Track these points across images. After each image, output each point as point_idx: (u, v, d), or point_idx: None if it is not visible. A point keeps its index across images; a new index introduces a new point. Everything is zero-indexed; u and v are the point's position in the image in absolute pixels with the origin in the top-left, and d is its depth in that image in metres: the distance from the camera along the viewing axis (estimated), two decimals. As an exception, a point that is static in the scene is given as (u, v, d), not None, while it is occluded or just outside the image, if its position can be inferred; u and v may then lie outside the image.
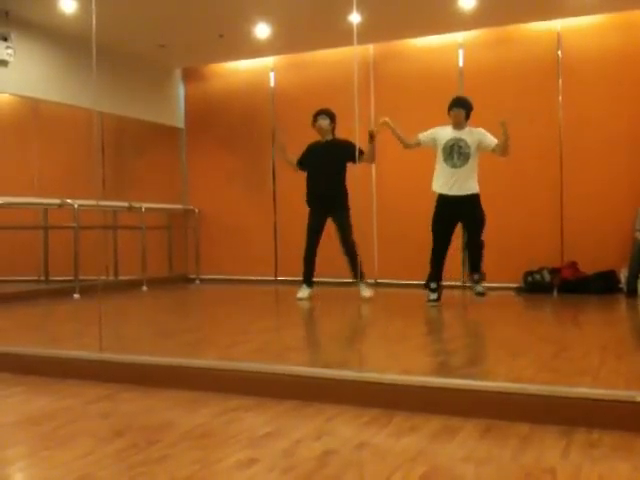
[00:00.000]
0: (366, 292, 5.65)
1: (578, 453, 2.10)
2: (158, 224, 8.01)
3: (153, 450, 2.17)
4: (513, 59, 6.69)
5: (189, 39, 7.00)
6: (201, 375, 3.01)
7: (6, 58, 6.06)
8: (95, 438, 2.32)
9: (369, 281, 6.06)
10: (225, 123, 7.96)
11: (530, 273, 6.32)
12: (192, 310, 6.10)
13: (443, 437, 2.27)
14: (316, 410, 2.60)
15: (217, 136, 8.03)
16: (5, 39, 6.05)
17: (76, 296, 6.35)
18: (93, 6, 3.95)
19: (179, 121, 8.20)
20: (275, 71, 7.74)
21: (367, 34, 6.54)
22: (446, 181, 5.17)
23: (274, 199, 7.74)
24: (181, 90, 8.24)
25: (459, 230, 5.47)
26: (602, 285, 6.08)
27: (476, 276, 5.27)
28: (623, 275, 5.99)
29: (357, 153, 5.52)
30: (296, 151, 6.06)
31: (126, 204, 7.33)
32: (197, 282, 7.96)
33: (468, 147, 5.11)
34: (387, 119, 5.28)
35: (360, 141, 5.42)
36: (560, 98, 6.53)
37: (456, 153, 5.13)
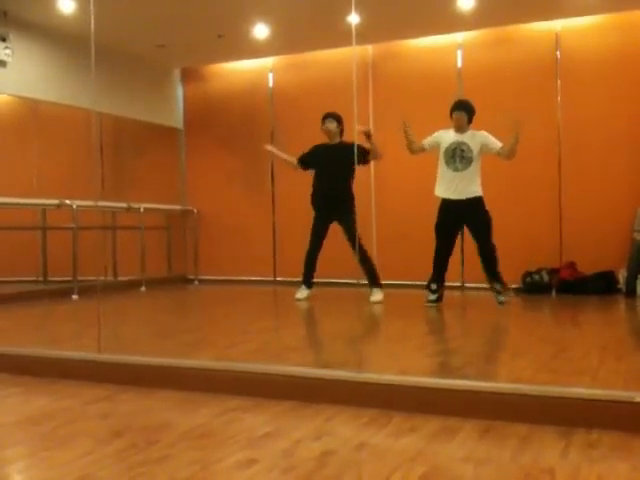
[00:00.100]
0: (375, 296, 5.62)
1: (577, 453, 2.10)
2: (157, 224, 8.00)
3: (152, 450, 2.17)
4: (512, 59, 6.69)
5: (188, 39, 7.00)
6: (200, 375, 3.01)
7: (5, 58, 6.06)
8: (94, 438, 2.31)
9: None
10: (224, 123, 7.96)
11: (529, 274, 6.32)
12: (191, 310, 6.10)
13: (442, 437, 2.27)
14: (315, 410, 2.60)
15: (216, 136, 8.03)
16: (3, 39, 6.04)
17: (75, 297, 6.34)
18: (92, 6, 3.94)
19: (178, 121, 8.20)
20: (274, 71, 7.74)
21: (366, 34, 6.54)
22: (448, 185, 5.15)
23: (273, 200, 7.74)
24: (180, 90, 8.24)
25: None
26: (601, 285, 6.09)
27: (497, 286, 5.17)
28: (622, 275, 6.00)
29: (361, 154, 5.55)
30: (295, 152, 6.05)
31: (125, 205, 7.33)
32: (196, 282, 7.96)
33: (470, 151, 5.08)
34: (406, 121, 5.28)
35: (360, 141, 5.43)
36: (559, 98, 6.54)
37: (458, 157, 5.10)
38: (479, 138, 5.10)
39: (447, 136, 5.20)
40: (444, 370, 3.08)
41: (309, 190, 7.24)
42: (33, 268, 8.01)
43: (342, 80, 6.51)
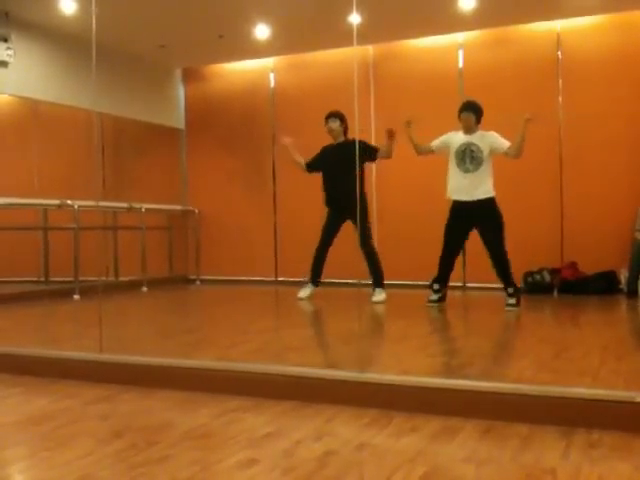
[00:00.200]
0: (377, 297, 5.61)
1: (578, 453, 2.10)
2: (158, 225, 8.01)
3: (153, 451, 2.17)
4: (513, 60, 6.69)
5: (189, 39, 7.00)
6: (200, 376, 3.01)
7: (6, 59, 6.07)
8: (95, 439, 2.31)
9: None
10: (225, 124, 7.97)
11: (530, 273, 6.32)
12: (192, 311, 6.10)
13: (443, 438, 2.27)
14: (316, 411, 2.60)
15: (217, 137, 8.03)
16: (5, 40, 6.05)
17: (76, 297, 6.35)
18: (93, 7, 3.95)
19: (179, 122, 8.20)
20: (275, 72, 7.74)
21: (367, 35, 6.54)
22: (459, 186, 5.12)
23: (274, 200, 7.74)
24: (181, 91, 8.25)
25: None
26: (602, 285, 6.08)
27: (510, 290, 5.08)
28: (623, 275, 5.99)
29: (369, 151, 5.56)
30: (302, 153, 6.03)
31: (126, 205, 7.33)
32: (197, 283, 7.96)
33: (480, 151, 5.04)
34: (411, 121, 5.27)
35: (367, 138, 5.43)
36: (560, 98, 6.53)
37: (468, 158, 5.07)
38: (488, 139, 5.06)
39: (457, 138, 5.18)
40: (445, 370, 3.08)
41: (310, 190, 7.25)
42: (34, 268, 8.02)
43: (343, 80, 6.50)
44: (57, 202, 6.66)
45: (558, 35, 6.54)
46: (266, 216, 7.76)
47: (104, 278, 7.67)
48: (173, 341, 4.08)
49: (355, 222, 5.52)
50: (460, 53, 6.89)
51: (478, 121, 5.13)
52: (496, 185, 5.13)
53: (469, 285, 6.73)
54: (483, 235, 5.11)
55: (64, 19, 6.22)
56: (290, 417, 2.55)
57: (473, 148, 5.06)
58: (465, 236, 5.25)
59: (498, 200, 5.11)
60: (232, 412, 2.61)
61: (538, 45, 6.60)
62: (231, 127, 7.93)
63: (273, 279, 7.73)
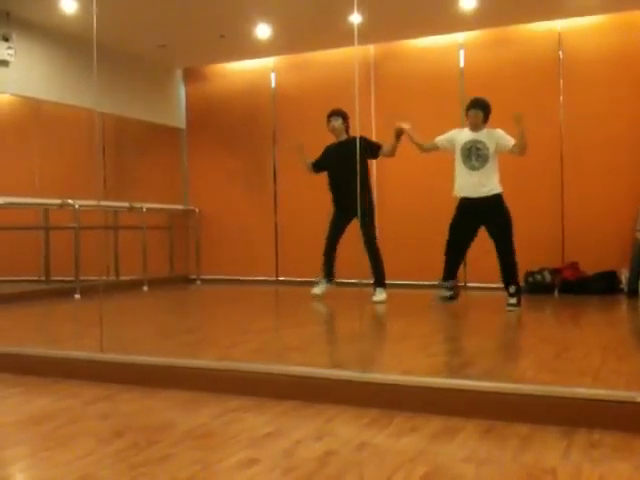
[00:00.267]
0: (378, 296, 5.61)
1: (579, 453, 2.10)
2: (159, 224, 8.01)
3: (153, 450, 2.17)
4: (514, 59, 6.69)
5: (190, 39, 7.00)
6: (201, 375, 3.01)
7: (7, 58, 6.07)
8: (95, 438, 2.31)
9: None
10: (226, 123, 7.97)
11: (531, 273, 6.32)
12: (193, 310, 6.10)
13: (444, 437, 2.27)
14: (316, 410, 2.60)
15: (218, 136, 8.04)
16: (6, 39, 6.05)
17: (77, 296, 6.35)
18: (94, 6, 3.95)
19: (180, 121, 8.20)
20: (276, 71, 7.74)
21: (368, 34, 6.54)
22: (465, 184, 5.10)
23: (275, 199, 7.74)
24: (182, 90, 8.25)
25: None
26: (603, 285, 6.08)
27: (511, 289, 5.05)
28: (624, 275, 5.99)
29: (372, 148, 5.55)
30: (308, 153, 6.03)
31: (127, 204, 7.33)
32: (198, 282, 7.96)
33: (487, 148, 5.02)
34: (407, 127, 5.26)
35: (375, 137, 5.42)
36: (561, 98, 6.53)
37: (474, 155, 5.05)
38: (495, 136, 5.03)
39: (462, 135, 5.15)
40: (446, 370, 3.08)
41: (310, 190, 7.26)
42: (35, 268, 8.02)
43: (344, 80, 6.50)
44: (58, 201, 6.67)
45: (559, 35, 6.54)
46: (267, 216, 7.76)
47: (105, 278, 7.68)
48: (174, 341, 4.08)
49: (361, 219, 5.51)
50: (461, 53, 6.89)
51: (486, 119, 5.08)
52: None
53: (470, 285, 6.73)
54: (491, 232, 5.07)
55: (65, 19, 6.23)
56: (291, 417, 2.55)
57: (479, 145, 5.04)
58: (472, 233, 5.17)
59: (500, 199, 5.09)
60: (233, 412, 2.61)
61: (539, 45, 6.60)
62: (232, 127, 7.93)
63: (274, 279, 7.73)
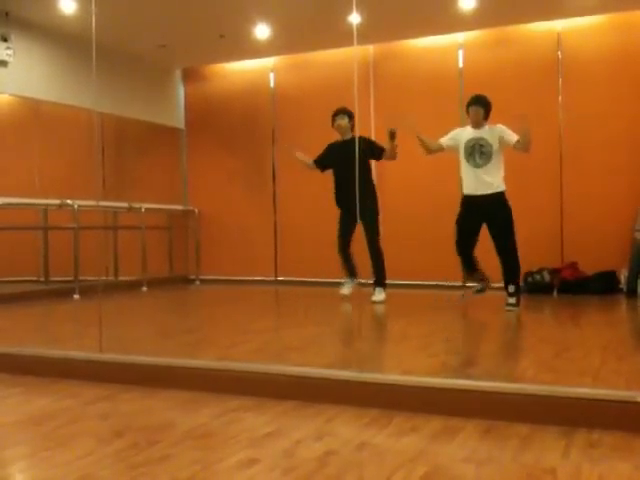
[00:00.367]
0: (377, 296, 5.61)
1: (578, 453, 2.10)
2: (158, 224, 8.01)
3: (154, 450, 2.17)
4: (513, 59, 6.69)
5: (189, 39, 7.00)
6: (201, 375, 3.01)
7: (6, 59, 6.06)
8: (95, 438, 2.31)
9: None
10: (225, 124, 7.96)
11: (530, 274, 6.32)
12: (192, 310, 6.10)
13: (443, 437, 2.27)
14: (316, 410, 2.60)
15: (217, 137, 8.03)
16: (5, 39, 6.05)
17: (76, 297, 6.35)
18: (93, 6, 3.95)
19: (179, 121, 8.20)
20: (275, 71, 7.74)
21: (367, 34, 6.54)
22: (470, 181, 5.09)
23: (274, 200, 7.74)
24: (181, 90, 8.25)
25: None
26: (602, 285, 6.08)
27: (511, 288, 5.03)
28: (623, 275, 5.99)
29: (376, 150, 5.55)
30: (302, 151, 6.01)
31: (126, 204, 7.33)
32: (197, 282, 7.96)
33: (490, 145, 5.00)
34: (413, 123, 5.25)
35: (380, 139, 5.40)
36: (560, 98, 6.53)
37: (477, 152, 5.04)
38: (497, 132, 5.01)
39: (465, 133, 5.14)
40: (446, 370, 3.08)
41: (310, 190, 7.26)
42: (34, 268, 8.02)
43: (343, 80, 6.50)
44: (57, 202, 6.67)
45: (558, 35, 6.54)
46: (266, 216, 7.75)
47: (104, 278, 7.68)
48: (173, 341, 4.08)
49: (364, 223, 5.50)
50: (460, 53, 6.89)
51: (487, 115, 5.07)
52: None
53: (469, 285, 6.72)
54: (491, 229, 5.06)
55: (64, 19, 6.22)
56: (290, 417, 2.55)
57: (482, 143, 5.02)
58: (477, 229, 5.13)
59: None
60: (233, 412, 2.61)
61: (538, 45, 6.60)
62: (231, 127, 7.93)
63: (273, 279, 7.73)
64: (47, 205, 7.05)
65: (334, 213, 5.75)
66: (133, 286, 7.23)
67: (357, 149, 5.01)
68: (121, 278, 7.79)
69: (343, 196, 5.63)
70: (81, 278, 6.48)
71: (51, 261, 7.76)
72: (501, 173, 5.05)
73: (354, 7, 4.02)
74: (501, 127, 5.03)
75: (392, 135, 5.40)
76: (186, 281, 8.06)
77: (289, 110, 7.60)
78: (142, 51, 7.37)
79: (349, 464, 2.04)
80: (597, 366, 3.01)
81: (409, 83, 7.03)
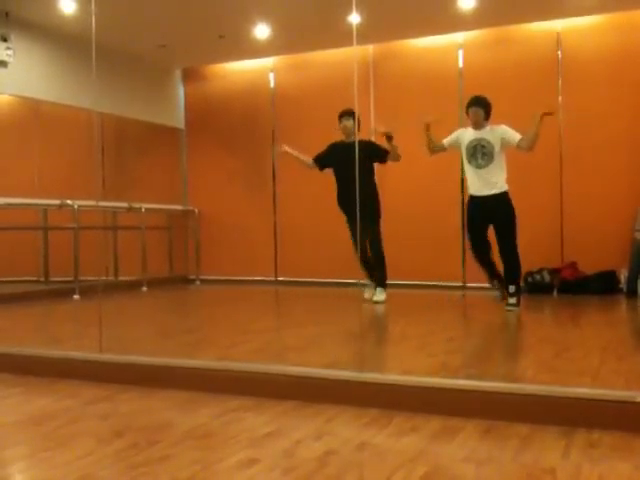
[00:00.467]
0: (378, 296, 5.59)
1: (578, 453, 2.10)
2: (158, 225, 8.01)
3: (154, 450, 2.17)
4: (513, 59, 6.69)
5: (189, 39, 7.00)
6: (201, 375, 3.01)
7: (6, 59, 6.06)
8: (95, 438, 2.31)
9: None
10: (225, 124, 7.97)
11: (530, 274, 6.32)
12: (192, 311, 6.10)
13: (443, 437, 2.27)
14: (316, 410, 2.60)
15: (217, 137, 8.03)
16: (5, 40, 6.05)
17: (76, 297, 6.35)
18: (93, 6, 3.95)
19: (179, 122, 8.20)
20: (275, 71, 7.74)
21: (367, 34, 6.54)
22: (473, 182, 5.09)
23: (274, 200, 7.74)
24: (181, 90, 8.25)
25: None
26: (602, 285, 6.08)
27: (511, 288, 5.02)
28: (623, 275, 5.99)
29: (380, 153, 5.54)
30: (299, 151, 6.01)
31: (126, 205, 7.33)
32: (197, 283, 7.96)
33: (491, 146, 4.99)
34: (430, 125, 5.23)
35: (380, 142, 5.40)
36: (560, 98, 6.53)
37: (479, 153, 5.03)
38: (498, 132, 5.01)
39: (467, 134, 5.14)
40: (445, 370, 3.08)
41: (309, 190, 7.26)
42: (34, 268, 8.02)
43: (343, 80, 6.50)
44: (57, 202, 6.67)
45: (558, 35, 6.54)
46: (266, 216, 7.75)
47: (104, 278, 7.67)
48: (173, 341, 4.08)
49: (366, 227, 5.48)
50: (460, 53, 6.89)
51: (487, 116, 5.06)
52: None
53: (469, 285, 6.73)
54: (495, 229, 5.07)
55: (64, 19, 6.22)
56: (290, 417, 2.55)
57: (484, 143, 5.02)
58: (486, 230, 5.11)
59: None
60: (233, 412, 2.61)
61: (538, 45, 6.60)
62: (231, 127, 7.93)
63: (273, 279, 7.73)
64: (47, 205, 7.05)
65: (334, 213, 5.73)
66: (133, 286, 7.23)
67: (357, 151, 4.99)
68: (121, 278, 7.79)
69: (345, 198, 5.62)
70: (81, 278, 6.48)
71: (51, 261, 7.76)
72: (504, 173, 5.05)
73: (354, 7, 4.02)
74: (503, 127, 5.03)
75: (389, 138, 5.40)
76: (186, 281, 8.06)
77: (289, 110, 7.60)
78: (142, 51, 7.37)
79: (349, 464, 2.04)
80: (597, 366, 3.01)
81: (409, 83, 7.03)
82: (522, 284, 6.10)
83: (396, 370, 3.05)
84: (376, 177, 5.70)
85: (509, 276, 5.05)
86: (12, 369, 3.40)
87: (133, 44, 7.08)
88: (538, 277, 6.29)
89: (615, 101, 6.30)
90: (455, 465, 2.02)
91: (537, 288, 6.24)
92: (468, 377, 2.84)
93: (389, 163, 5.64)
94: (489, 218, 5.05)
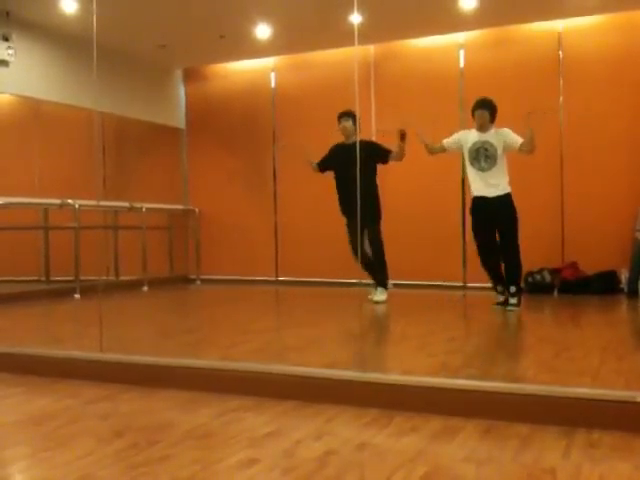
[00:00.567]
0: (378, 297, 5.59)
1: (578, 453, 2.10)
2: (159, 224, 8.01)
3: (154, 450, 2.17)
4: (514, 59, 6.68)
5: (190, 39, 7.00)
6: (201, 375, 3.01)
7: (7, 58, 6.06)
8: (96, 438, 2.32)
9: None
10: (226, 123, 7.97)
11: (531, 274, 6.31)
12: (192, 310, 6.10)
13: (443, 437, 2.27)
14: (316, 410, 2.60)
15: (218, 136, 8.03)
16: (6, 39, 6.05)
17: (77, 296, 6.35)
18: (94, 6, 3.95)
19: (180, 121, 8.20)
20: (276, 71, 7.74)
21: (368, 34, 6.54)
22: (475, 184, 5.08)
23: (275, 199, 7.74)
24: (182, 90, 8.25)
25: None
26: (603, 285, 6.08)
27: (512, 288, 5.03)
28: (624, 275, 5.99)
29: (381, 153, 5.54)
30: (297, 151, 6.01)
31: (127, 204, 7.33)
32: (198, 282, 7.96)
33: (495, 149, 4.98)
34: (416, 126, 5.24)
35: (383, 139, 5.39)
36: (561, 98, 6.53)
37: (482, 156, 5.02)
38: (502, 135, 5.01)
39: (470, 136, 5.13)
40: (445, 370, 3.08)
41: (310, 190, 7.26)
42: (35, 268, 8.02)
43: (344, 80, 6.50)
44: (58, 201, 6.67)
45: (559, 35, 6.54)
46: (266, 216, 7.75)
47: (105, 277, 7.68)
48: (173, 341, 4.08)
49: (367, 229, 5.48)
50: (461, 53, 6.89)
51: (492, 119, 5.05)
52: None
53: (469, 285, 6.73)
54: (497, 230, 5.07)
55: (65, 19, 6.23)
56: (290, 417, 2.55)
57: (487, 146, 5.01)
58: (492, 233, 5.10)
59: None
60: (233, 412, 2.62)
61: (539, 45, 6.60)
62: (232, 127, 7.93)
63: (274, 279, 7.73)
64: (48, 205, 7.05)
65: (335, 213, 5.73)
66: (134, 286, 7.24)
67: (358, 152, 4.98)
68: (122, 278, 7.80)
69: (346, 199, 5.60)
70: (82, 278, 6.48)
71: (52, 261, 7.76)
72: (506, 176, 5.05)
73: (355, 7, 4.02)
74: (506, 130, 5.03)
75: (402, 136, 5.38)
76: (187, 281, 8.06)
77: (289, 110, 7.60)
78: (143, 51, 7.37)
79: (349, 464, 2.04)
80: (597, 366, 3.01)
81: (410, 83, 7.02)
82: (522, 284, 6.13)
83: (396, 370, 3.05)
84: (377, 177, 5.70)
85: (510, 276, 5.05)
86: (12, 369, 3.40)
87: (134, 44, 7.08)
88: (539, 277, 6.29)
89: (616, 101, 6.30)
90: (455, 465, 2.02)
91: (538, 288, 6.23)
92: (468, 377, 2.84)
93: (390, 163, 5.64)
94: (492, 219, 5.06)
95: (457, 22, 6.45)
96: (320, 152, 5.88)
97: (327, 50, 7.28)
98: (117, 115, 7.52)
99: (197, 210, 8.08)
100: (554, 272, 6.27)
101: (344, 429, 2.39)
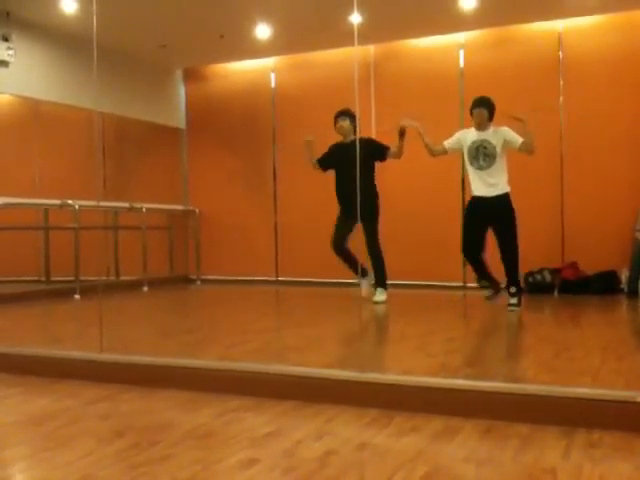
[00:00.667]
0: (378, 297, 5.59)
1: (579, 453, 2.10)
2: (159, 224, 8.01)
3: (154, 450, 2.17)
4: (514, 59, 6.68)
5: (190, 39, 7.00)
6: (201, 375, 3.01)
7: (7, 59, 6.06)
8: (96, 438, 2.32)
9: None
10: (226, 124, 7.96)
11: (531, 274, 6.31)
12: (193, 310, 6.10)
13: (444, 437, 2.27)
14: (316, 410, 2.60)
15: (218, 137, 8.03)
16: (6, 39, 6.05)
17: (77, 297, 6.35)
18: (94, 6, 3.95)
19: (180, 121, 8.20)
20: (276, 71, 7.74)
21: (368, 34, 6.54)
22: (474, 183, 5.08)
23: (275, 200, 7.74)
24: (182, 90, 8.25)
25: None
26: (603, 285, 6.08)
27: (512, 289, 5.03)
28: (624, 275, 5.99)
29: (380, 151, 5.54)
30: (297, 152, 6.02)
31: (127, 204, 7.33)
32: (198, 282, 7.96)
33: (493, 148, 4.98)
34: (412, 124, 5.24)
35: (383, 138, 5.39)
36: (561, 98, 6.53)
37: (481, 155, 5.02)
38: (501, 134, 5.00)
39: (469, 135, 5.13)
40: (445, 370, 3.08)
41: (310, 190, 7.26)
42: (35, 268, 8.02)
43: (344, 80, 6.50)
44: (58, 202, 6.67)
45: (559, 35, 6.53)
46: (266, 216, 7.75)
47: (105, 278, 7.68)
48: (174, 341, 4.08)
49: (364, 226, 5.48)
50: (461, 53, 6.89)
51: (491, 117, 5.06)
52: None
53: (469, 285, 6.72)
54: (496, 231, 5.07)
55: (65, 19, 6.23)
56: (291, 417, 2.55)
57: (486, 145, 5.01)
58: (483, 233, 5.12)
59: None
60: (233, 412, 2.61)
61: (539, 45, 6.60)
62: (232, 127, 7.93)
63: (274, 279, 7.73)
64: (48, 205, 7.05)
65: (335, 213, 5.74)
66: (134, 286, 7.24)
67: (358, 151, 4.98)
68: (122, 278, 7.80)
69: (344, 197, 5.62)
70: (82, 278, 6.48)
71: (52, 261, 7.76)
72: (505, 175, 5.05)
73: (355, 7, 4.02)
74: (506, 129, 5.02)
75: (402, 133, 5.38)
76: (187, 281, 8.06)
77: (289, 110, 7.60)
78: (143, 51, 7.37)
79: (349, 464, 2.04)
80: (597, 366, 3.01)
81: (410, 83, 7.02)
82: (522, 284, 6.13)
83: (396, 370, 3.05)
84: (377, 176, 5.69)
85: (510, 277, 5.05)
86: (12, 369, 3.40)
87: (134, 44, 7.08)
88: (539, 277, 6.29)
89: (616, 101, 6.30)
90: (455, 465, 2.02)
91: (538, 288, 6.23)
92: (468, 377, 2.84)
93: (390, 162, 5.64)
94: (490, 219, 5.05)
95: (457, 22, 6.45)
96: (320, 152, 5.88)
97: (327, 50, 7.28)
98: (117, 115, 7.51)
99: (197, 210, 8.08)
100: (554, 272, 6.26)
101: (344, 429, 2.39)
